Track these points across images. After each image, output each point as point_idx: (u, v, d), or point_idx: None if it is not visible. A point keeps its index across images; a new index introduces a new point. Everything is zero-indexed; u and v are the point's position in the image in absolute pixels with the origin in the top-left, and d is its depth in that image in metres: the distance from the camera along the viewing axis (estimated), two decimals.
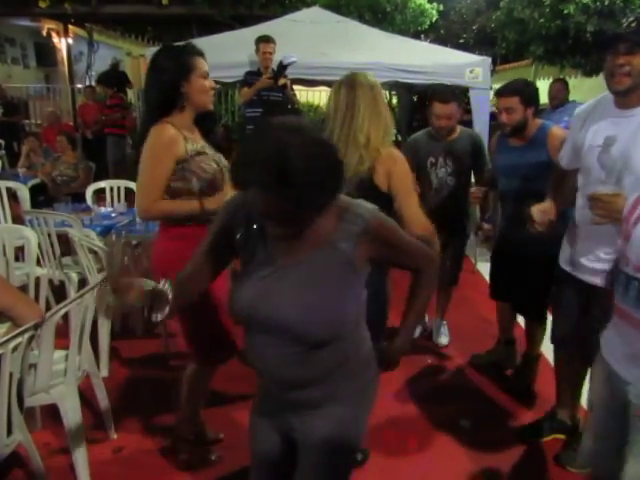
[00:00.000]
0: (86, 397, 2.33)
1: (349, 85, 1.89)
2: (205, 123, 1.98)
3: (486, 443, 2.41)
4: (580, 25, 5.72)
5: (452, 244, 3.20)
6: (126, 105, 7.74)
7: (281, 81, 4.39)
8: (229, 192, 2.00)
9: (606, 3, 5.55)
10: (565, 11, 5.83)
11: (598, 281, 1.93)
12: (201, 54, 1.88)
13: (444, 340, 3.41)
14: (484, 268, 4.65)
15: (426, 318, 3.54)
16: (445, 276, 3.32)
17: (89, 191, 4.24)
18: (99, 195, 4.31)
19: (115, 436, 2.34)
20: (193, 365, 2.06)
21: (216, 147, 2.03)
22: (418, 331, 3.47)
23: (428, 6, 8.45)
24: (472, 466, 2.25)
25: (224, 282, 1.94)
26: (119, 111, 7.34)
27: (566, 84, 5.25)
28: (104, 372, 2.77)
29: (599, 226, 1.66)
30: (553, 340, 2.27)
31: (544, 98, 6.70)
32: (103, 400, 2.31)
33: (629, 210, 1.40)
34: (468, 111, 4.81)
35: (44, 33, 11.20)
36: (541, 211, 2.05)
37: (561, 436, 2.36)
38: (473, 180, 3.21)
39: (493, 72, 7.07)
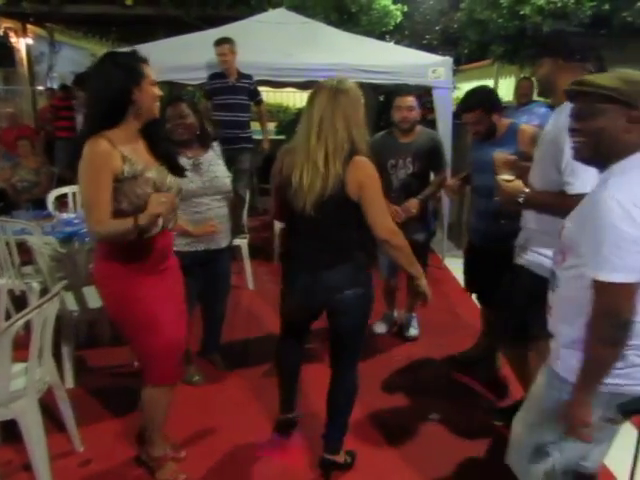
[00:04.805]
0: (50, 410, 2.28)
1: (327, 95, 1.87)
2: (152, 132, 1.92)
3: (455, 434, 2.47)
4: (536, 26, 5.87)
5: (415, 242, 3.25)
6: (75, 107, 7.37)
7: None
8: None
9: (559, 5, 5.72)
10: (522, 12, 5.98)
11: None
12: (146, 61, 1.84)
13: (414, 332, 3.47)
14: (451, 263, 4.75)
15: (395, 313, 3.60)
16: None
17: (51, 197, 4.13)
18: (61, 201, 4.21)
19: (82, 449, 2.29)
20: (148, 387, 2.03)
21: (166, 156, 1.96)
22: (384, 328, 3.52)
23: (393, 7, 8.52)
24: (442, 459, 2.30)
25: (170, 304, 1.96)
26: (68, 113, 6.87)
27: (533, 83, 5.39)
28: (69, 383, 2.71)
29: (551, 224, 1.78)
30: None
31: (507, 96, 6.86)
32: (68, 412, 2.26)
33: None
34: (432, 110, 4.89)
35: (0, 32, 10.83)
36: (511, 184, 2.05)
37: None
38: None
39: (457, 71, 7.21)
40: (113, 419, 2.51)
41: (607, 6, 5.85)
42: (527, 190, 1.96)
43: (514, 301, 2.19)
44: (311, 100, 1.92)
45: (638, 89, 1.28)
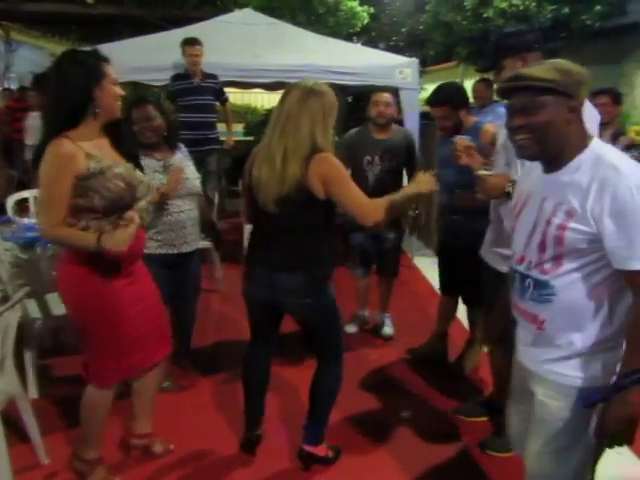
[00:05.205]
0: (13, 422, 2.19)
1: (297, 95, 1.88)
2: (115, 132, 1.90)
3: (428, 432, 2.49)
4: (499, 28, 6.03)
5: (389, 239, 3.30)
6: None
7: None
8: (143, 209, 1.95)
9: (521, 8, 5.88)
10: (485, 15, 6.14)
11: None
12: (107, 60, 1.81)
13: (389, 332, 3.50)
14: (421, 262, 4.81)
15: (366, 312, 3.62)
16: (385, 269, 3.43)
17: (10, 202, 3.98)
18: (22, 205, 4.06)
19: (47, 461, 2.21)
20: (90, 388, 2.01)
21: (129, 155, 1.94)
22: (355, 328, 3.54)
23: (360, 9, 8.59)
24: (414, 457, 2.32)
25: (140, 304, 1.94)
26: (25, 115, 6.48)
27: (490, 84, 5.49)
28: (33, 394, 2.62)
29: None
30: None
31: (472, 97, 6.97)
32: (31, 424, 2.18)
33: (514, 204, 1.51)
34: (400, 110, 4.94)
35: None
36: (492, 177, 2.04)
37: (496, 418, 2.47)
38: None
39: (423, 73, 7.32)
40: (79, 429, 2.43)
41: (567, 10, 6.04)
42: (513, 180, 1.89)
43: (485, 300, 2.23)
44: (282, 98, 1.93)
45: (573, 79, 1.26)
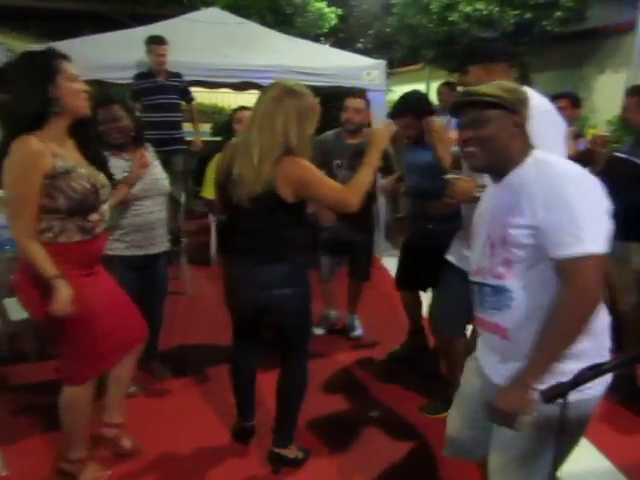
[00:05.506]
0: None
1: (274, 94, 1.87)
2: (80, 132, 1.85)
3: (397, 431, 2.51)
4: (464, 32, 6.15)
5: (360, 242, 3.31)
6: None
7: None
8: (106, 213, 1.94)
9: (485, 12, 6.02)
10: (450, 18, 6.25)
11: None
12: (65, 57, 1.76)
13: (358, 332, 3.52)
14: (389, 263, 4.85)
15: (334, 313, 3.62)
16: (357, 273, 3.44)
17: None
18: None
19: (4, 473, 2.12)
20: (68, 389, 1.98)
21: (96, 161, 1.91)
22: (323, 330, 3.54)
23: (327, 10, 8.63)
24: (383, 456, 2.33)
25: (94, 296, 1.90)
26: None
27: (454, 87, 5.59)
28: None
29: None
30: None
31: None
32: None
33: (474, 223, 1.55)
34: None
35: None
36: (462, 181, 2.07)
37: None
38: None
39: (391, 75, 7.40)
40: (39, 439, 2.35)
41: (529, 15, 6.22)
42: (482, 185, 1.90)
43: (440, 294, 2.26)
44: (260, 96, 1.94)
45: (517, 97, 1.37)
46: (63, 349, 1.94)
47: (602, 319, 1.36)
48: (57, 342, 1.94)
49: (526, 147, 1.39)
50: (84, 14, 8.17)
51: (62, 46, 1.91)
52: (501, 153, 1.37)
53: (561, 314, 1.24)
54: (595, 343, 1.33)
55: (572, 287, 1.23)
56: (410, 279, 3.02)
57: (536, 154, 1.38)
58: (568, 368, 1.24)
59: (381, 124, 2.03)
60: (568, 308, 1.23)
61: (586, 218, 1.22)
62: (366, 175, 1.93)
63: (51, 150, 1.70)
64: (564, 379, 1.13)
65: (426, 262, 2.69)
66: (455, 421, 1.66)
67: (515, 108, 1.35)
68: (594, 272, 1.22)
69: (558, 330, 1.25)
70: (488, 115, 1.35)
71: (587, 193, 1.25)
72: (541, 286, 1.32)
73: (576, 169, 1.31)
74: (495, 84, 1.40)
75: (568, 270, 1.24)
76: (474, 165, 1.44)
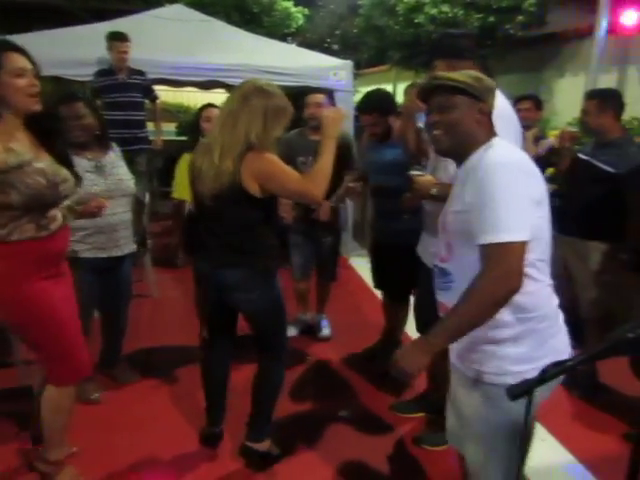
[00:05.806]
0: None
1: (243, 92, 1.86)
2: (44, 126, 1.78)
3: (365, 430, 2.51)
4: (430, 34, 6.24)
5: (327, 242, 3.30)
6: None
7: None
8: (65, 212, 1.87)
9: (450, 15, 6.14)
10: (416, 20, 6.34)
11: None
12: (15, 49, 1.66)
13: (326, 332, 3.51)
14: (356, 262, 4.87)
15: (308, 315, 3.60)
16: (324, 273, 3.43)
17: None
18: None
19: None
20: (51, 389, 1.92)
21: (61, 157, 1.83)
22: (296, 331, 3.51)
23: (294, 10, 8.61)
24: (353, 455, 2.33)
25: (61, 300, 1.84)
26: None
27: None
28: None
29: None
30: (419, 328, 2.43)
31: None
32: None
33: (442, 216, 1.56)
34: None
35: None
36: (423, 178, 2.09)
37: (430, 415, 2.53)
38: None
39: (357, 75, 7.44)
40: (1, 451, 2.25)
41: (492, 18, 6.36)
42: (439, 183, 2.00)
43: (418, 295, 2.28)
44: (231, 94, 1.95)
45: (484, 85, 1.40)
46: (42, 352, 1.89)
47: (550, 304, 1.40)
48: (36, 346, 1.89)
49: (490, 134, 1.42)
50: (39, 7, 7.83)
51: (13, 40, 1.81)
52: (465, 138, 1.40)
53: (476, 296, 1.26)
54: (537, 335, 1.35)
55: (488, 274, 1.25)
56: (386, 279, 3.03)
57: (493, 141, 1.40)
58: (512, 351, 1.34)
59: (331, 111, 2.01)
60: (483, 292, 1.26)
61: (506, 207, 1.24)
62: (324, 163, 1.90)
63: (3, 145, 1.63)
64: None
65: (400, 261, 2.71)
66: (449, 412, 1.67)
67: (481, 96, 1.39)
68: (510, 260, 1.23)
69: (470, 309, 1.28)
70: (454, 101, 1.39)
71: (513, 182, 1.26)
72: (477, 270, 1.31)
73: (513, 157, 1.33)
74: (463, 72, 1.44)
75: (486, 257, 1.26)
76: (439, 148, 1.48)
